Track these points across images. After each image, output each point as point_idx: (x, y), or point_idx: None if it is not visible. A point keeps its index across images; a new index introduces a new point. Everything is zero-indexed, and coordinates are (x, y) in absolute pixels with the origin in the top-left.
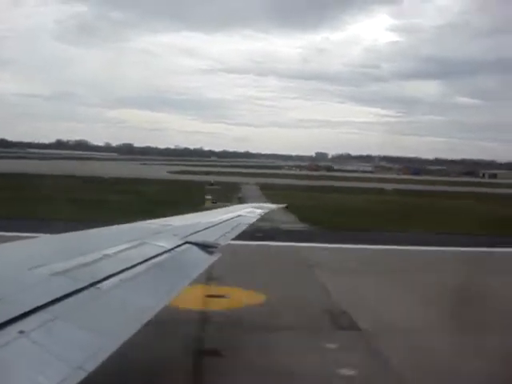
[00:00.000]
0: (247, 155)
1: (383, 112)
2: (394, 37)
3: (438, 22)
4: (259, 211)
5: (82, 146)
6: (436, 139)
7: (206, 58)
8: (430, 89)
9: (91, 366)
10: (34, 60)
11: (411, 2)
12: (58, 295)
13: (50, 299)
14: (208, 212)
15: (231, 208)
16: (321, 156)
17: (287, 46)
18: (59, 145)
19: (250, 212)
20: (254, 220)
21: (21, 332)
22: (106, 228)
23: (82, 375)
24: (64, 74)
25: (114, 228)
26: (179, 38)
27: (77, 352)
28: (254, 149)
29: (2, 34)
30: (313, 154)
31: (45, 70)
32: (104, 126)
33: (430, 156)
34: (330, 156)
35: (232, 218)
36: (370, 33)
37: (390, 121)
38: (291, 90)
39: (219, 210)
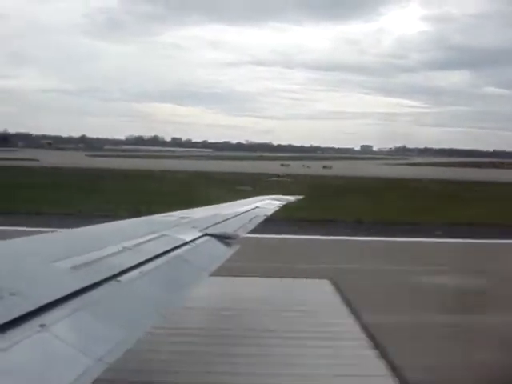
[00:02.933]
0: (285, 149)
1: (410, 103)
2: (424, 26)
3: (470, 11)
4: (277, 203)
5: (157, 141)
6: (462, 130)
7: (233, 51)
8: (457, 79)
9: (111, 359)
10: (61, 55)
11: None
12: (79, 288)
13: (70, 292)
14: (226, 204)
15: (249, 200)
16: (366, 149)
17: (317, 37)
18: (137, 141)
19: (267, 204)
20: (272, 211)
21: (42, 326)
22: (125, 221)
23: (103, 367)
24: (90, 68)
25: (134, 221)
26: (207, 31)
27: (97, 344)
28: (280, 141)
29: (29, 30)
30: (357, 147)
31: (71, 66)
32: (131, 120)
33: (464, 146)
34: (374, 149)
35: (250, 210)
36: (401, 23)
37: (415, 112)
38: (318, 82)
39: (237, 201)
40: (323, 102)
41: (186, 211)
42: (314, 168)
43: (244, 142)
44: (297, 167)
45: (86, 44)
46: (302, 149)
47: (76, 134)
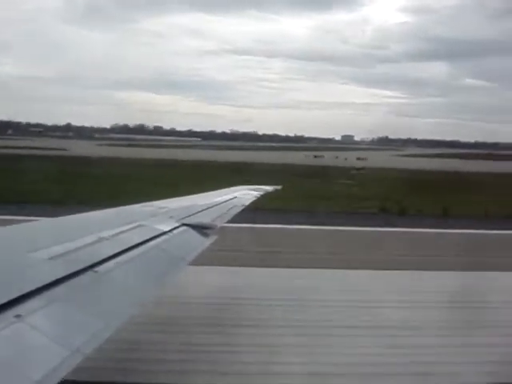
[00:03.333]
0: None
1: (389, 93)
2: (404, 17)
3: (450, 3)
4: (255, 193)
5: (142, 130)
6: (441, 121)
7: (213, 40)
8: (437, 70)
9: (89, 349)
10: (39, 42)
11: None
12: (55, 278)
13: (47, 283)
14: (203, 194)
15: (227, 190)
16: (347, 139)
17: (297, 27)
18: (122, 129)
19: (245, 194)
20: (250, 201)
21: (17, 316)
22: (102, 211)
23: (80, 358)
24: (70, 56)
25: (110, 211)
26: (188, 19)
27: (74, 335)
28: (261, 130)
29: (6, 16)
30: (338, 137)
31: (50, 53)
32: (112, 109)
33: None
34: (356, 139)
35: (228, 200)
36: (381, 13)
37: (394, 102)
38: (296, 72)
39: (215, 191)
40: (303, 92)
41: (163, 201)
42: (351, 160)
43: (228, 131)
44: (332, 158)
45: (66, 31)
46: (287, 138)
47: (59, 122)
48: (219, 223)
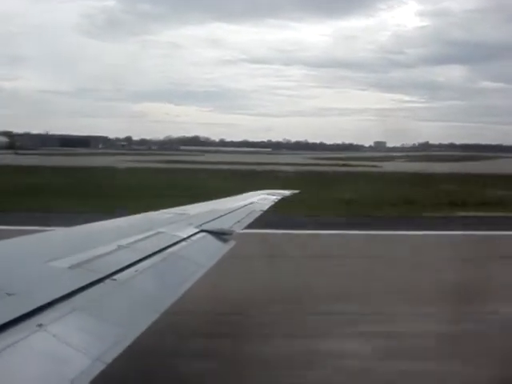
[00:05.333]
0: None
1: (406, 98)
2: (422, 22)
3: (468, 6)
4: (273, 197)
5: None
6: (459, 124)
7: (230, 49)
8: (455, 74)
9: (110, 358)
10: (58, 56)
11: None
12: (75, 287)
13: (67, 292)
14: (222, 200)
15: (245, 195)
16: (380, 145)
17: (316, 34)
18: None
19: (263, 199)
20: (268, 206)
21: (39, 325)
22: (121, 219)
23: (101, 367)
24: (88, 69)
25: (129, 218)
26: (206, 29)
27: (95, 344)
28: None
29: (27, 30)
30: (371, 143)
31: (69, 66)
32: (128, 121)
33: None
34: (388, 145)
35: (246, 205)
36: (399, 18)
37: (412, 106)
38: (313, 79)
39: (233, 197)
40: (320, 99)
41: (182, 207)
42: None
43: (282, 141)
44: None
45: (85, 44)
46: (331, 147)
47: (118, 135)
48: (237, 229)
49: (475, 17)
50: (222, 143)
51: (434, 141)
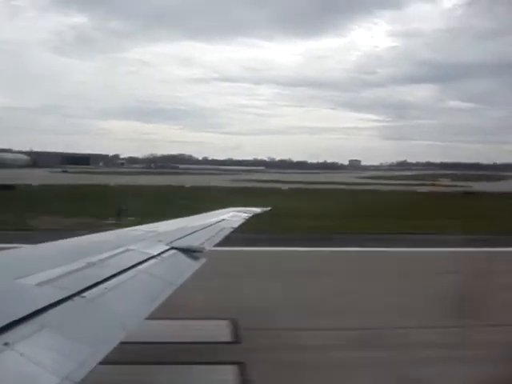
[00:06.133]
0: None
1: (375, 117)
2: (393, 42)
3: (439, 26)
4: (244, 215)
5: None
6: (426, 143)
7: (200, 67)
8: (424, 93)
9: (78, 376)
10: (25, 72)
11: (413, 6)
12: (44, 305)
13: (35, 309)
14: (192, 217)
15: (215, 212)
16: (355, 163)
17: (286, 53)
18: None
19: (233, 216)
20: (239, 224)
21: (6, 344)
22: (90, 235)
23: None
24: (55, 86)
25: (99, 235)
26: (177, 47)
27: (64, 362)
28: (245, 156)
29: None
30: (346, 161)
31: (35, 83)
32: (94, 138)
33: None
34: (363, 163)
35: (216, 223)
36: (369, 38)
37: (380, 126)
38: (283, 98)
39: (203, 214)
40: (290, 117)
41: (152, 225)
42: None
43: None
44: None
45: (54, 61)
46: (297, 165)
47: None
48: (208, 246)
49: (445, 36)
50: (206, 161)
51: (401, 159)
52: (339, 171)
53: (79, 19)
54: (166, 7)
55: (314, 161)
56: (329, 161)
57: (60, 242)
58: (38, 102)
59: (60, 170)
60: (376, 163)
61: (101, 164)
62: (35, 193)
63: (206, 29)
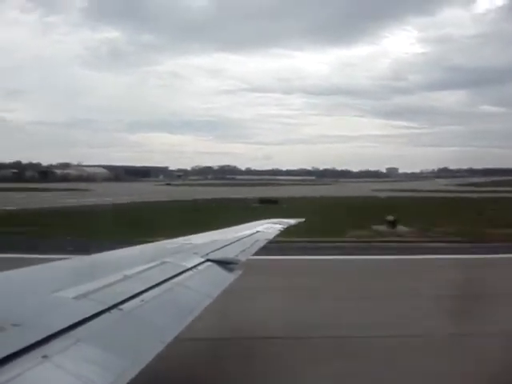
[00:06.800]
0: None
1: (406, 124)
2: (423, 48)
3: (470, 32)
4: (278, 226)
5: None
6: (458, 149)
7: (231, 79)
8: (455, 99)
9: None
10: (58, 88)
11: (444, 12)
12: (81, 318)
13: (72, 322)
14: (227, 229)
15: (250, 224)
16: (392, 171)
17: (316, 62)
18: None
19: (268, 227)
20: (274, 235)
21: (44, 357)
22: (126, 249)
23: None
24: (87, 100)
25: (135, 249)
26: (208, 59)
27: (101, 374)
28: (278, 166)
29: (28, 63)
30: (383, 169)
31: (68, 98)
32: (124, 150)
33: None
34: (400, 171)
35: (251, 234)
36: (400, 45)
37: (411, 133)
38: (313, 107)
39: (238, 226)
40: (319, 126)
41: (187, 237)
42: None
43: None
44: None
45: (86, 76)
46: (341, 173)
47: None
48: (243, 258)
49: (476, 42)
50: (249, 171)
51: (437, 165)
52: (392, 179)
53: (111, 34)
54: (198, 20)
55: (357, 169)
56: (363, 169)
57: (97, 255)
58: (70, 116)
59: (164, 183)
60: (416, 170)
61: (161, 177)
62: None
63: (238, 40)
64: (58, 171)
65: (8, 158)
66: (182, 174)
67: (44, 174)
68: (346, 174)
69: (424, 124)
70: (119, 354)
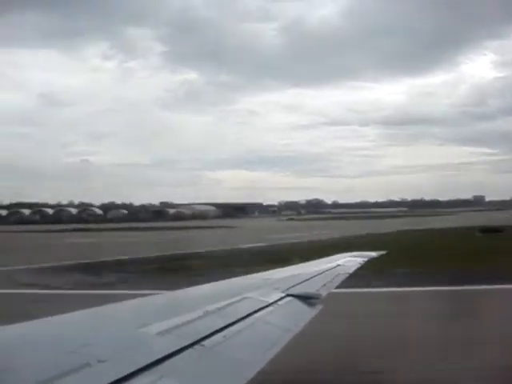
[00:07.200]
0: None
1: (488, 151)
2: (502, 72)
3: None
4: (359, 259)
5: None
6: None
7: (308, 113)
8: None
9: None
10: (141, 130)
11: None
12: (164, 354)
13: (156, 358)
14: (308, 263)
15: (330, 258)
16: (479, 199)
17: (392, 92)
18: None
19: (348, 261)
20: (354, 269)
21: None
22: (208, 285)
23: None
24: (166, 141)
25: (216, 284)
26: (285, 95)
27: None
28: (365, 198)
29: (110, 107)
30: (470, 197)
31: (147, 140)
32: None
33: None
34: (487, 199)
35: (332, 268)
36: (477, 70)
37: (495, 159)
38: (390, 138)
39: (318, 260)
40: (397, 157)
41: (268, 272)
42: None
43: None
44: None
45: (166, 117)
46: (430, 203)
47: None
48: (324, 292)
49: None
50: (336, 205)
51: None
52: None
53: (190, 75)
54: (273, 57)
55: (446, 199)
56: (451, 198)
57: (180, 291)
58: (151, 157)
59: (285, 218)
60: (506, 198)
61: (256, 213)
62: None
63: (313, 75)
64: (171, 210)
65: (98, 199)
66: (276, 210)
67: (158, 213)
68: (435, 205)
69: (507, 149)
70: None
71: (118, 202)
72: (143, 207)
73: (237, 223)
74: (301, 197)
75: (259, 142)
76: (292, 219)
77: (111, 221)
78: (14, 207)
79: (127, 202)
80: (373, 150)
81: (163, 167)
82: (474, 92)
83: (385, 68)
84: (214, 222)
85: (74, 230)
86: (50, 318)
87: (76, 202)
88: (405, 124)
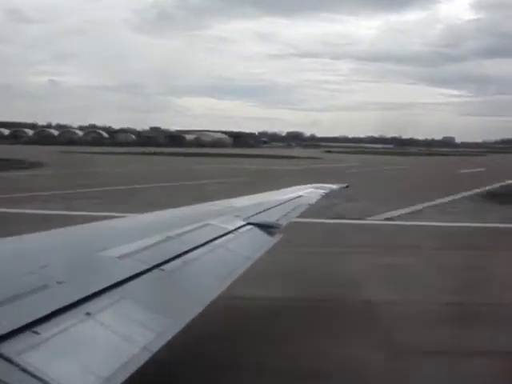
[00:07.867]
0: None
1: (455, 93)
2: (476, 14)
3: None
4: (321, 191)
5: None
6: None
7: (279, 43)
8: (507, 67)
9: (156, 347)
10: (107, 52)
11: None
12: (124, 277)
13: (115, 281)
14: (269, 193)
15: (292, 189)
16: (449, 140)
17: (367, 27)
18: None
19: (310, 192)
20: (316, 200)
21: (87, 314)
22: (169, 210)
23: (148, 355)
24: (133, 64)
25: (178, 210)
26: (257, 23)
27: (142, 333)
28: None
29: (76, 27)
30: (440, 137)
31: (114, 62)
32: (174, 115)
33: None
34: (457, 140)
35: (293, 199)
36: (453, 11)
37: (461, 101)
38: (361, 73)
39: (280, 190)
40: (367, 93)
41: (229, 200)
42: None
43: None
44: None
45: (134, 40)
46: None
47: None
48: (284, 222)
49: None
50: (313, 138)
51: (505, 136)
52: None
53: None
54: None
55: (422, 137)
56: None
57: (141, 215)
58: (117, 80)
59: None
60: (479, 140)
61: (252, 142)
62: None
63: (289, 5)
64: (187, 136)
65: (77, 122)
66: (266, 140)
67: (173, 138)
68: (414, 143)
69: (473, 92)
70: (160, 313)
71: (99, 124)
72: (156, 131)
73: (294, 153)
74: (269, 128)
75: (228, 70)
76: (330, 152)
77: (121, 145)
78: None
79: (106, 125)
80: (343, 85)
81: (131, 91)
82: (447, 33)
83: (360, 1)
84: (254, 151)
85: (147, 153)
86: (10, 239)
87: (53, 123)
88: (377, 61)
